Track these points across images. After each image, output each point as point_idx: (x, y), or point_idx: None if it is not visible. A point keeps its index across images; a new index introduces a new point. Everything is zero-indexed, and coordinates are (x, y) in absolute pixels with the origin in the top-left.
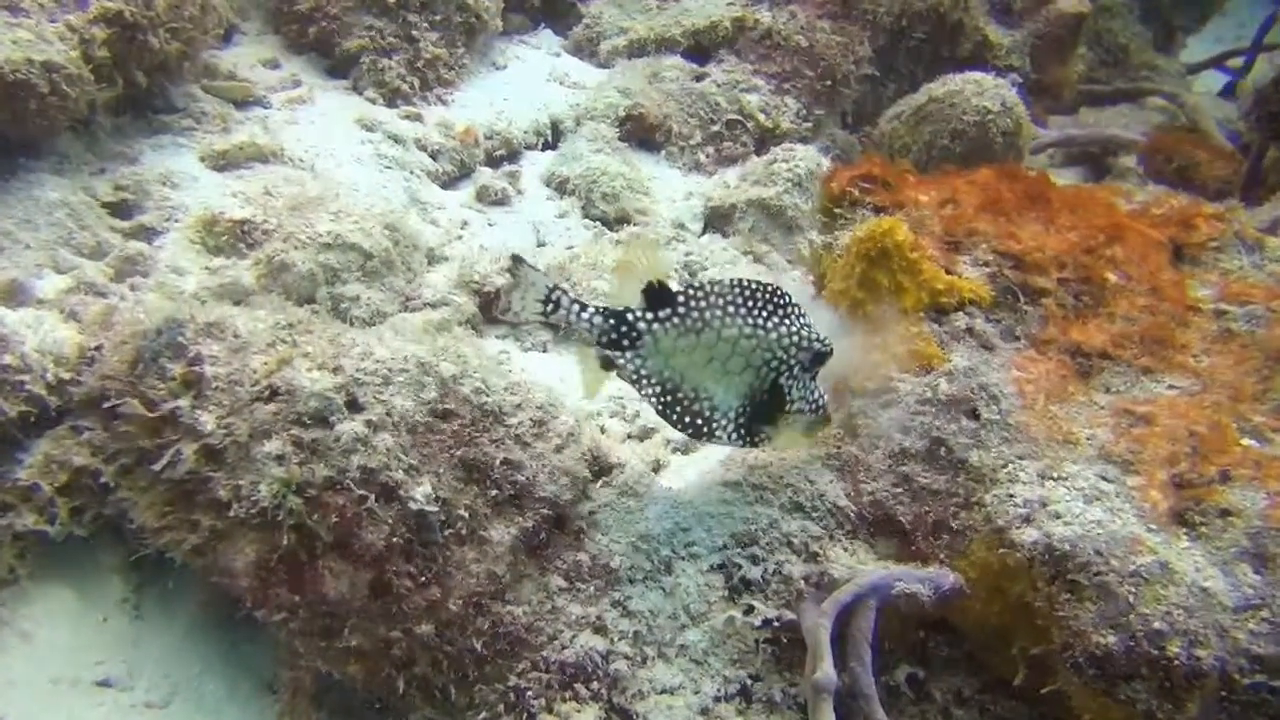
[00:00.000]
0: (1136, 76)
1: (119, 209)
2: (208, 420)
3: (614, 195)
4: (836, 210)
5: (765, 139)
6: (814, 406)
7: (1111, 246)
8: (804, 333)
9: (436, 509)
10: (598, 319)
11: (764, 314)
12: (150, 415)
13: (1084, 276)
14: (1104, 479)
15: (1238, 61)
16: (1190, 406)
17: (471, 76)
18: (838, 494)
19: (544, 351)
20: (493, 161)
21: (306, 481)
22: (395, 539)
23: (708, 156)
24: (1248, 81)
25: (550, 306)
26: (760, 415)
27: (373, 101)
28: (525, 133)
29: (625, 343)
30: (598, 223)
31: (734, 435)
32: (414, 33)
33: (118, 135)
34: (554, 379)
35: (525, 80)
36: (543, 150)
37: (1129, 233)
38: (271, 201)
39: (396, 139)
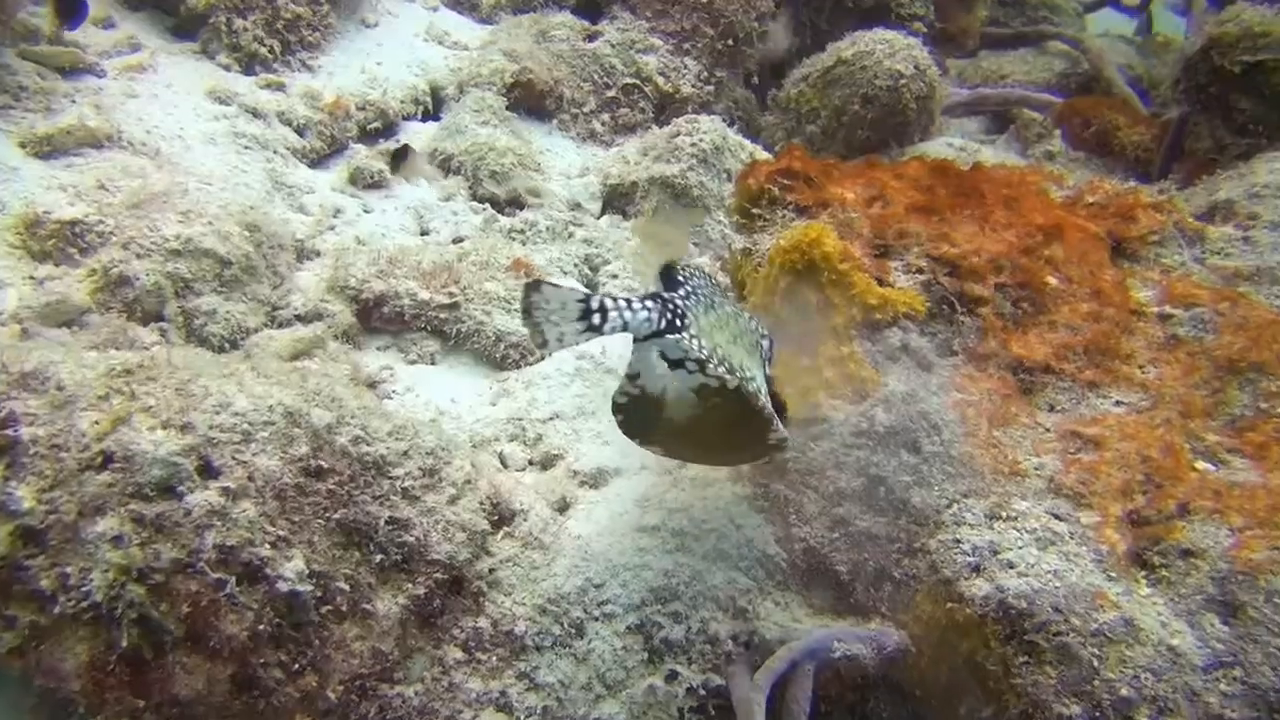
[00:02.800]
0: (1035, 17)
1: None
2: (24, 495)
3: (504, 174)
4: (755, 210)
5: (665, 104)
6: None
7: (1050, 245)
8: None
9: (310, 586)
10: (654, 308)
11: (728, 299)
12: None
13: (1022, 281)
14: (1056, 517)
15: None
16: (1140, 426)
17: (338, 37)
18: (767, 540)
19: (432, 364)
20: (367, 135)
21: (150, 566)
22: (262, 626)
23: (603, 125)
24: (1165, 36)
25: (597, 319)
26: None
27: (226, 68)
28: (402, 102)
29: (678, 322)
30: (487, 205)
31: (776, 423)
32: None
33: None
34: (445, 399)
35: (400, 40)
36: (423, 120)
37: (1068, 229)
38: (107, 197)
39: (256, 113)
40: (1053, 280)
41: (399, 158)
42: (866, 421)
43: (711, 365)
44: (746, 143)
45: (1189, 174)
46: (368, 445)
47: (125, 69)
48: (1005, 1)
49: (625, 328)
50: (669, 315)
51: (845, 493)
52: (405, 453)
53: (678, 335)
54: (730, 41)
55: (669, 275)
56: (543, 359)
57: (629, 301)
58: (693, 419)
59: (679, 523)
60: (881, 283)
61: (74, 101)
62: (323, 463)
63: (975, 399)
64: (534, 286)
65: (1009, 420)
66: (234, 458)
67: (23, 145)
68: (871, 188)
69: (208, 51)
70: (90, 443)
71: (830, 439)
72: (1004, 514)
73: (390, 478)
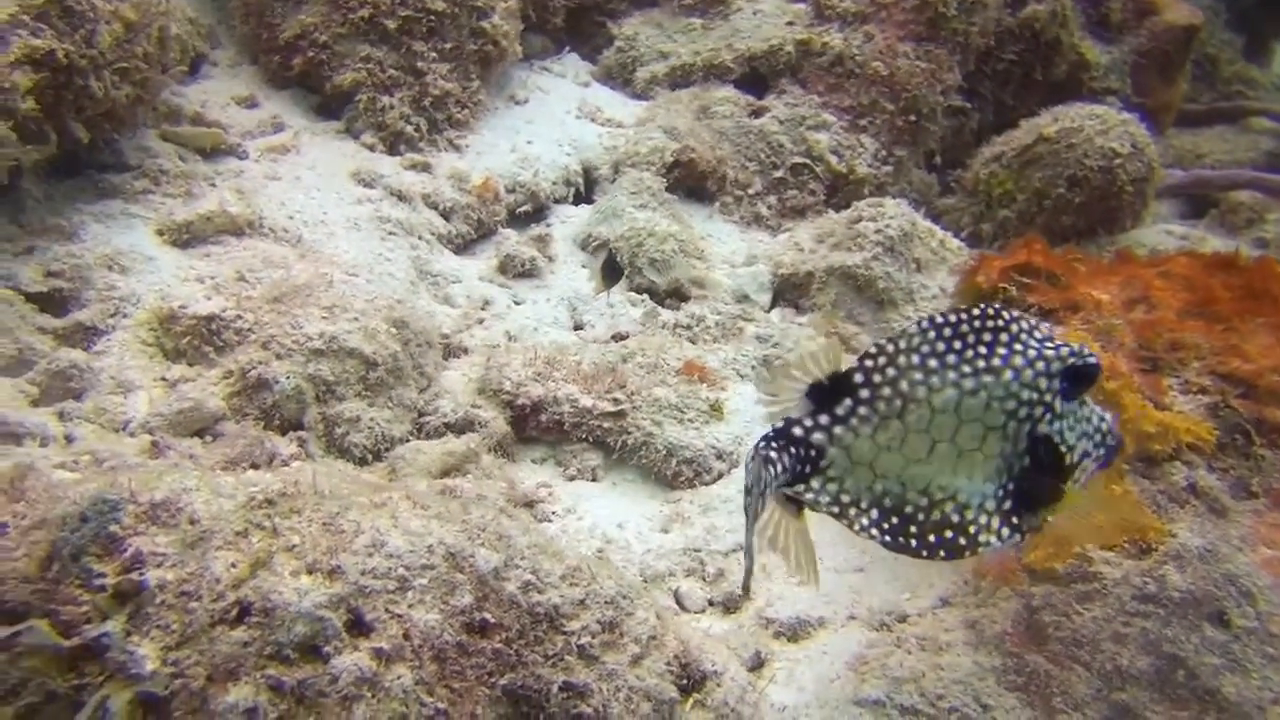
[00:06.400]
0: (1229, 92)
1: (50, 302)
2: (147, 654)
3: (665, 261)
4: None
5: (837, 186)
6: (1099, 441)
7: None
8: (1047, 352)
9: None
10: (786, 459)
11: (983, 350)
12: (65, 644)
13: None
14: None
15: None
16: None
17: (488, 114)
18: None
19: (594, 480)
20: (516, 219)
21: None
22: None
23: (769, 208)
24: None
25: (760, 505)
26: (1030, 488)
27: (371, 148)
28: (554, 183)
29: (807, 468)
30: (645, 296)
31: (1006, 532)
32: (420, 64)
33: (51, 204)
34: (610, 523)
35: (550, 117)
36: (575, 203)
37: None
38: (247, 290)
39: (401, 196)
40: None
41: (611, 272)
42: (1154, 583)
43: (851, 519)
44: (937, 229)
45: None
46: (539, 593)
47: (268, 150)
48: (1195, 75)
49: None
50: (799, 462)
51: (1128, 674)
52: (582, 601)
53: (802, 487)
54: (911, 118)
55: (832, 385)
56: (720, 478)
57: (764, 456)
58: None
59: (909, 698)
60: (1157, 405)
61: (214, 185)
62: (488, 615)
63: None
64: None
65: None
66: (388, 610)
67: (161, 233)
68: (1131, 287)
69: (352, 130)
70: (225, 590)
71: (1104, 602)
72: None
73: (565, 633)
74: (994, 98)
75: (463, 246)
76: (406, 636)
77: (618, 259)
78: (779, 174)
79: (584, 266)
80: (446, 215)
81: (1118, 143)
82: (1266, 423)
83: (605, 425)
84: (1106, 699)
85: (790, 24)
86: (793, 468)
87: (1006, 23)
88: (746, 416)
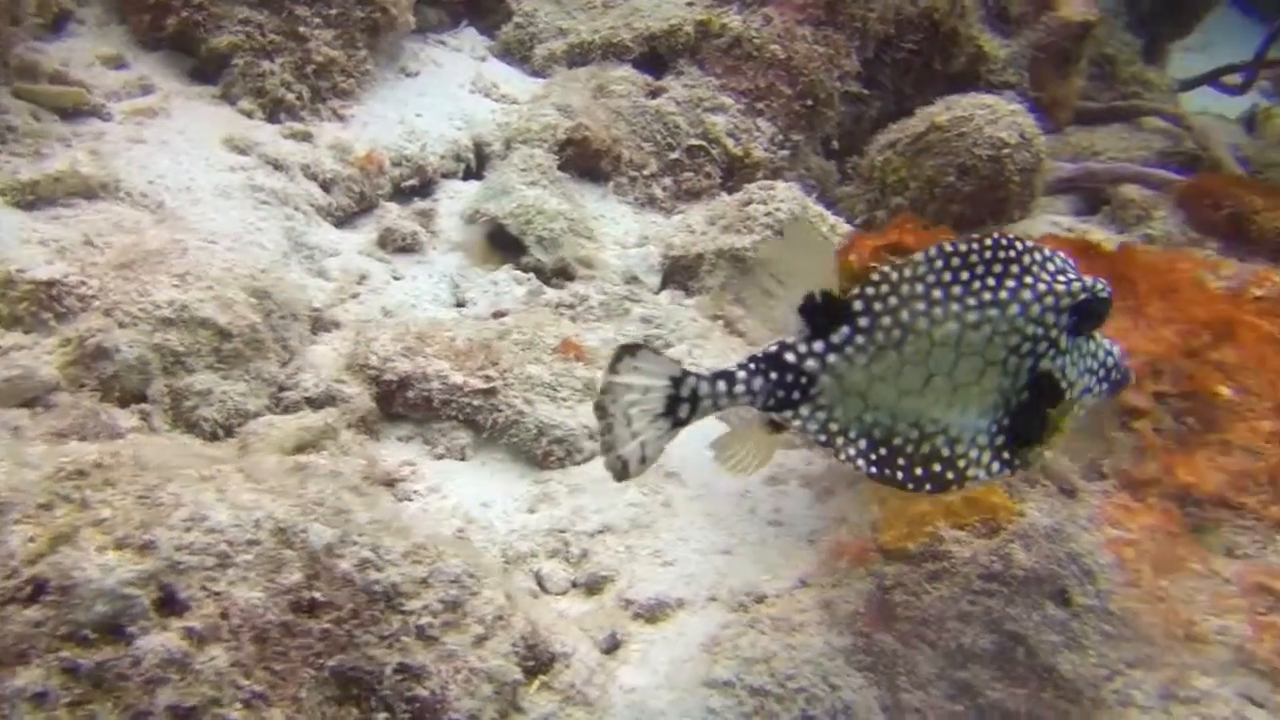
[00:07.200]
0: (1127, 93)
1: None
2: None
3: (553, 240)
4: None
5: (734, 169)
6: (1103, 377)
7: (1220, 347)
8: (1057, 286)
9: None
10: (759, 382)
11: (990, 283)
12: None
13: (1187, 390)
14: (1251, 701)
15: (1234, 78)
16: None
17: (375, 85)
18: (870, 708)
19: (462, 459)
20: (401, 194)
21: None
22: None
23: (664, 190)
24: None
25: (685, 410)
26: (1027, 421)
27: (249, 115)
28: (442, 158)
29: (795, 395)
30: (532, 275)
31: (996, 466)
32: (302, 29)
33: None
34: (475, 502)
35: (443, 91)
36: (464, 180)
37: (1240, 328)
38: (93, 255)
39: (277, 165)
40: (1226, 390)
41: (491, 248)
42: (1000, 562)
43: (838, 448)
44: (828, 214)
45: None
46: (377, 570)
47: (134, 112)
48: (1093, 75)
49: (716, 409)
50: (782, 388)
51: (971, 652)
52: (424, 580)
53: (789, 413)
54: (809, 103)
55: (826, 308)
56: (591, 458)
57: (729, 376)
58: None
59: (758, 679)
60: None
61: (69, 146)
62: (318, 594)
63: (1134, 536)
64: (629, 352)
65: (1177, 566)
66: (205, 588)
67: (4, 193)
68: None
69: (228, 96)
70: (20, 566)
71: (951, 581)
72: (1182, 694)
73: (403, 612)
74: (894, 87)
75: (343, 219)
76: (224, 615)
77: (507, 235)
78: (675, 155)
79: (463, 241)
80: (326, 187)
81: (1006, 133)
82: (1118, 404)
83: (475, 403)
84: (949, 677)
85: (690, 4)
86: (771, 392)
87: (907, 11)
88: None
